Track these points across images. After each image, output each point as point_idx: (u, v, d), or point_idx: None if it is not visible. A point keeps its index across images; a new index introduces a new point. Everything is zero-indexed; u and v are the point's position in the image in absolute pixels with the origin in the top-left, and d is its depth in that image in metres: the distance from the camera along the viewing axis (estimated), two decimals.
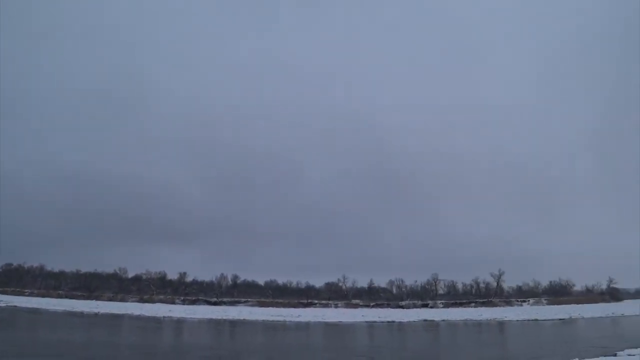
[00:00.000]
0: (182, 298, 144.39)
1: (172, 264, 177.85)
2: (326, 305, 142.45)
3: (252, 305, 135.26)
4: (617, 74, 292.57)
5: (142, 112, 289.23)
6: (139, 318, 72.94)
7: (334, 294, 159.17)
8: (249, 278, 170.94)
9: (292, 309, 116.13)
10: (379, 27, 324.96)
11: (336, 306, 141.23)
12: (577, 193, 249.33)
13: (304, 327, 63.52)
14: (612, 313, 79.58)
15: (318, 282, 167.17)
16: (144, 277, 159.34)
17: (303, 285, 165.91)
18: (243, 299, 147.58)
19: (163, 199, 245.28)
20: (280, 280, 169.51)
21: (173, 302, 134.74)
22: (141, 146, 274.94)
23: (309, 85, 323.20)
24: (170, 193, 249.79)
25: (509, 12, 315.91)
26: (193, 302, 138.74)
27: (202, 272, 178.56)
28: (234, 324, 67.26)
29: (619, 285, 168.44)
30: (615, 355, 25.44)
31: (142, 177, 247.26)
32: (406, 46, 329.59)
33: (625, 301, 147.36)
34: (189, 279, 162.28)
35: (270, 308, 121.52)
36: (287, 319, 78.76)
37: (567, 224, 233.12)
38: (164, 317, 76.93)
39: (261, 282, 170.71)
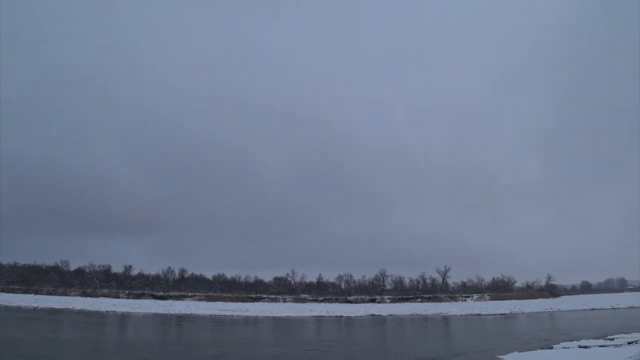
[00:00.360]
0: (127, 292, 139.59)
1: (117, 257, 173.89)
2: (275, 300, 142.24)
3: (200, 300, 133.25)
4: (569, 79, 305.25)
5: (88, 98, 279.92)
6: (80, 312, 70.57)
7: (283, 289, 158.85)
8: (197, 272, 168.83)
9: (240, 304, 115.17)
10: (334, 21, 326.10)
11: (285, 301, 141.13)
12: (522, 195, 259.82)
13: (252, 321, 63.06)
14: (550, 308, 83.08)
15: (267, 277, 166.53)
16: (87, 270, 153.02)
17: (252, 280, 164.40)
18: (190, 293, 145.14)
19: (109, 190, 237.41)
20: (229, 274, 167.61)
21: (117, 297, 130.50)
22: (86, 134, 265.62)
23: (261, 76, 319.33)
24: (116, 184, 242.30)
25: (466, 16, 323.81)
26: (138, 297, 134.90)
27: (148, 265, 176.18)
28: (180, 318, 66.02)
29: (557, 282, 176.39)
30: (551, 348, 26.48)
31: (87, 166, 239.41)
32: (362, 43, 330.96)
33: (562, 297, 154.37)
34: (134, 272, 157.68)
35: (218, 302, 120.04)
36: (235, 313, 78.08)
37: (511, 224, 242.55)
38: (107, 311, 74.83)
39: (209, 276, 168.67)
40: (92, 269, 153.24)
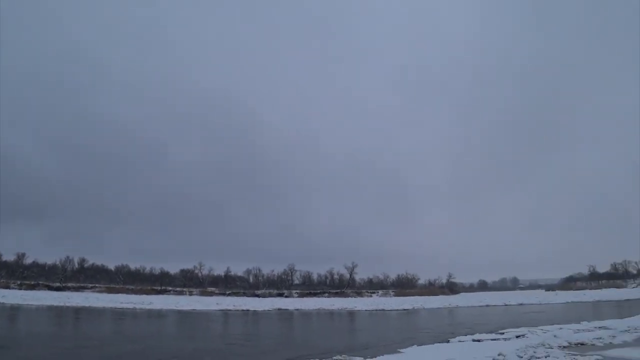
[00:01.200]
0: (19, 282, 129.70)
1: (8, 243, 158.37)
2: (181, 293, 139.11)
3: (100, 292, 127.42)
4: (476, 86, 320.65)
5: None
6: None
7: (190, 282, 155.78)
8: (98, 262, 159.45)
9: (144, 296, 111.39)
10: (260, 21, 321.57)
11: (191, 294, 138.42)
12: (429, 196, 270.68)
13: (155, 315, 61.05)
14: (449, 304, 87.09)
15: (173, 269, 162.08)
16: None
17: (157, 272, 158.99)
18: (90, 285, 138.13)
19: (2, 167, 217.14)
20: (133, 265, 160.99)
21: (7, 287, 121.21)
22: None
23: (183, 65, 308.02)
24: (12, 161, 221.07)
25: (388, 22, 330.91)
26: (32, 287, 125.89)
27: (44, 253, 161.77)
28: (77, 311, 62.65)
29: (457, 280, 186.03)
30: (448, 341, 27.73)
31: None
32: (286, 42, 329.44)
33: (461, 294, 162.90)
34: (28, 260, 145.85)
35: (120, 295, 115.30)
36: (138, 306, 75.30)
37: (417, 224, 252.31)
38: None
39: (111, 266, 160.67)
40: None
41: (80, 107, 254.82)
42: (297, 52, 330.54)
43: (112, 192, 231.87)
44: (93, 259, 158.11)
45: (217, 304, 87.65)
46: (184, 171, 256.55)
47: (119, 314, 59.50)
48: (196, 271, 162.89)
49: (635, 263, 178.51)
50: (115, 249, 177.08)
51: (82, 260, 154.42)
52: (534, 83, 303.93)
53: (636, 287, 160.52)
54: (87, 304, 75.25)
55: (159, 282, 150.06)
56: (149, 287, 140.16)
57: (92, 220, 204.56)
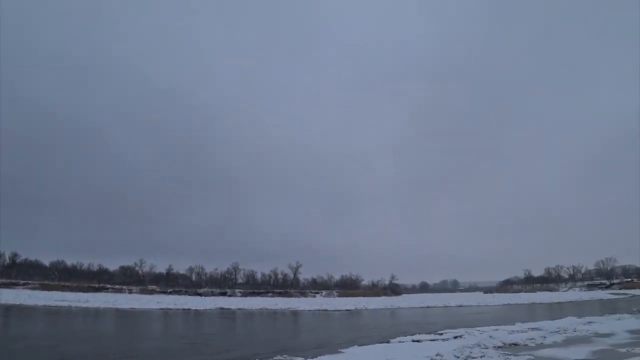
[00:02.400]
0: None
1: None
2: (119, 291, 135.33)
3: (34, 289, 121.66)
4: (426, 90, 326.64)
5: None
6: None
7: (129, 279, 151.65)
8: (32, 257, 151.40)
9: (80, 294, 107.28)
10: (213, 15, 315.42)
11: (130, 292, 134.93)
12: (375, 199, 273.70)
13: (91, 313, 58.97)
14: (391, 305, 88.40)
15: (112, 265, 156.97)
16: None
17: (95, 268, 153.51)
18: (23, 281, 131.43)
19: None
20: (69, 261, 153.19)
21: None
22: None
23: (134, 52, 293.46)
24: None
25: (341, 21, 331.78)
26: None
27: None
28: (7, 309, 59.77)
29: (399, 281, 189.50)
30: (388, 342, 28.06)
31: None
32: (235, 38, 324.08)
33: (403, 295, 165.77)
34: None
35: (55, 292, 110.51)
36: (74, 304, 72.69)
37: (363, 225, 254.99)
38: None
39: (46, 262, 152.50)
40: None
41: (10, 90, 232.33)
42: (248, 47, 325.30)
43: (49, 182, 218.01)
44: (26, 254, 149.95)
45: (157, 302, 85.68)
46: (126, 164, 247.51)
47: (53, 313, 57.28)
48: (137, 268, 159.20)
49: (567, 268, 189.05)
50: (51, 243, 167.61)
51: (14, 255, 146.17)
52: (484, 90, 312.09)
53: (567, 290, 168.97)
54: (17, 302, 71.92)
55: (96, 279, 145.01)
56: (86, 285, 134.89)
57: (25, 213, 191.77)
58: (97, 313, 59.57)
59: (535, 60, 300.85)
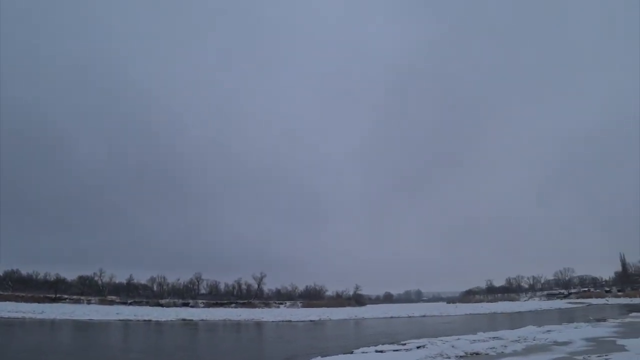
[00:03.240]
0: None
1: None
2: (77, 301, 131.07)
3: None
4: (389, 98, 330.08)
5: None
6: None
7: (88, 289, 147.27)
8: None
9: (35, 304, 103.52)
10: (187, 26, 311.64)
11: (89, 302, 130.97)
12: (340, 209, 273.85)
13: (46, 325, 57.02)
14: (355, 316, 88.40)
15: (70, 275, 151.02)
16: None
17: (52, 278, 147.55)
18: None
19: None
20: (24, 270, 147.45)
21: None
22: None
23: (100, 57, 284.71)
24: None
25: (308, 26, 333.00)
26: None
27: None
28: None
29: (363, 292, 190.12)
30: (352, 352, 27.90)
31: None
32: (205, 47, 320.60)
33: (367, 306, 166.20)
34: None
35: (8, 303, 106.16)
36: (28, 315, 70.11)
37: (327, 236, 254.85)
38: None
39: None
40: None
41: None
42: (218, 56, 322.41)
43: (3, 188, 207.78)
44: None
45: (117, 313, 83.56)
46: (87, 171, 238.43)
47: (5, 325, 55.01)
48: (96, 278, 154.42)
49: (528, 278, 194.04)
50: (4, 251, 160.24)
51: None
52: (448, 101, 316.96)
53: (528, 300, 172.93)
54: None
55: (53, 290, 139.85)
56: (41, 295, 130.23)
57: None
58: (52, 325, 57.65)
59: (498, 70, 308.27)
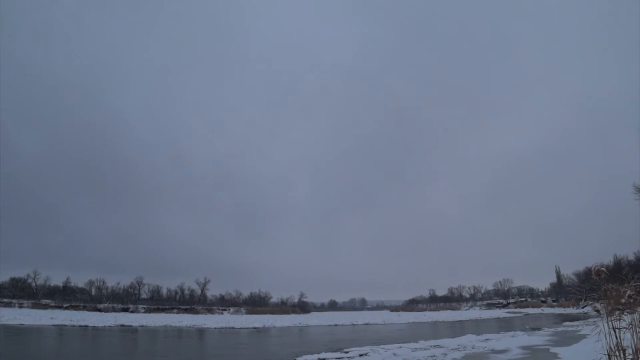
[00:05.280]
0: None
1: None
2: (8, 305, 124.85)
3: None
4: (342, 113, 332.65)
5: None
6: None
7: (21, 292, 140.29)
8: None
9: None
10: (132, 19, 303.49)
11: (21, 306, 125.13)
12: (287, 216, 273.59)
13: None
14: (300, 323, 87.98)
15: (1, 277, 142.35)
16: None
17: None
18: None
19: None
20: None
21: None
22: None
23: (43, 47, 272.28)
24: None
25: (264, 29, 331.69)
26: None
27: None
28: None
29: (308, 299, 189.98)
30: None
31: None
32: (157, 43, 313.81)
33: (312, 313, 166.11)
34: None
35: None
36: None
37: (273, 242, 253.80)
38: None
39: None
40: None
41: None
42: (169, 54, 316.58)
43: None
44: None
45: (51, 318, 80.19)
46: (21, 164, 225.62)
47: None
48: (29, 280, 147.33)
49: (469, 288, 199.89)
50: None
51: None
52: (393, 114, 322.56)
53: (468, 309, 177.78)
54: None
55: None
56: None
57: None
58: None
59: (447, 90, 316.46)
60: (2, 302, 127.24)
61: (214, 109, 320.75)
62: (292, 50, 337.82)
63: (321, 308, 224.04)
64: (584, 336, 33.63)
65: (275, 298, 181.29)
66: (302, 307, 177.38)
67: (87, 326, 68.67)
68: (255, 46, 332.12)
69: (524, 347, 30.37)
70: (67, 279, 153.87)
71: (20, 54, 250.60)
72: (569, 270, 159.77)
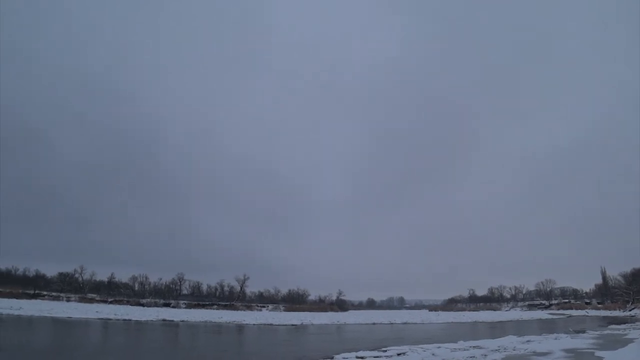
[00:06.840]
0: None
1: None
2: (57, 298, 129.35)
3: None
4: (389, 115, 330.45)
5: None
6: None
7: (68, 286, 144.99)
8: None
9: (13, 300, 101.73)
10: (166, 21, 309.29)
11: (69, 300, 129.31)
12: (326, 213, 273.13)
13: (23, 322, 56.08)
14: (338, 321, 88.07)
15: (50, 272, 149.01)
16: None
17: (32, 274, 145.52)
18: None
19: None
20: (3, 265, 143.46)
21: None
22: None
23: (82, 52, 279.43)
24: None
25: (297, 27, 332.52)
26: None
27: None
28: None
29: (346, 297, 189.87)
30: (332, 358, 27.77)
31: None
32: (191, 49, 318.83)
33: (350, 311, 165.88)
34: None
35: None
36: (4, 311, 68.87)
37: (312, 239, 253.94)
38: None
39: None
40: None
41: None
42: (204, 57, 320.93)
43: None
44: None
45: (96, 312, 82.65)
46: (70, 166, 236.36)
47: None
48: (76, 275, 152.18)
49: (510, 288, 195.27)
50: None
51: None
52: (439, 114, 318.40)
53: (509, 310, 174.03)
54: None
55: (32, 286, 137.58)
56: (20, 291, 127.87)
57: None
58: (30, 322, 56.72)
59: (488, 86, 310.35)
60: (51, 296, 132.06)
61: (251, 111, 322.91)
62: (329, 45, 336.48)
63: (359, 306, 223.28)
64: (631, 340, 32.70)
65: (313, 296, 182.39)
66: (340, 305, 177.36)
67: (130, 320, 70.58)
68: (288, 43, 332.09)
69: (567, 350, 29.70)
70: (112, 275, 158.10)
71: (67, 61, 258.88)
72: (615, 271, 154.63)
